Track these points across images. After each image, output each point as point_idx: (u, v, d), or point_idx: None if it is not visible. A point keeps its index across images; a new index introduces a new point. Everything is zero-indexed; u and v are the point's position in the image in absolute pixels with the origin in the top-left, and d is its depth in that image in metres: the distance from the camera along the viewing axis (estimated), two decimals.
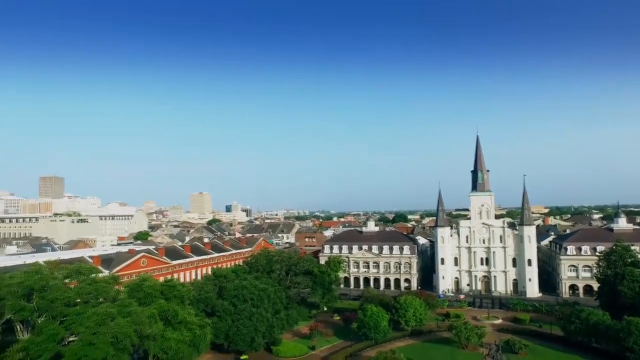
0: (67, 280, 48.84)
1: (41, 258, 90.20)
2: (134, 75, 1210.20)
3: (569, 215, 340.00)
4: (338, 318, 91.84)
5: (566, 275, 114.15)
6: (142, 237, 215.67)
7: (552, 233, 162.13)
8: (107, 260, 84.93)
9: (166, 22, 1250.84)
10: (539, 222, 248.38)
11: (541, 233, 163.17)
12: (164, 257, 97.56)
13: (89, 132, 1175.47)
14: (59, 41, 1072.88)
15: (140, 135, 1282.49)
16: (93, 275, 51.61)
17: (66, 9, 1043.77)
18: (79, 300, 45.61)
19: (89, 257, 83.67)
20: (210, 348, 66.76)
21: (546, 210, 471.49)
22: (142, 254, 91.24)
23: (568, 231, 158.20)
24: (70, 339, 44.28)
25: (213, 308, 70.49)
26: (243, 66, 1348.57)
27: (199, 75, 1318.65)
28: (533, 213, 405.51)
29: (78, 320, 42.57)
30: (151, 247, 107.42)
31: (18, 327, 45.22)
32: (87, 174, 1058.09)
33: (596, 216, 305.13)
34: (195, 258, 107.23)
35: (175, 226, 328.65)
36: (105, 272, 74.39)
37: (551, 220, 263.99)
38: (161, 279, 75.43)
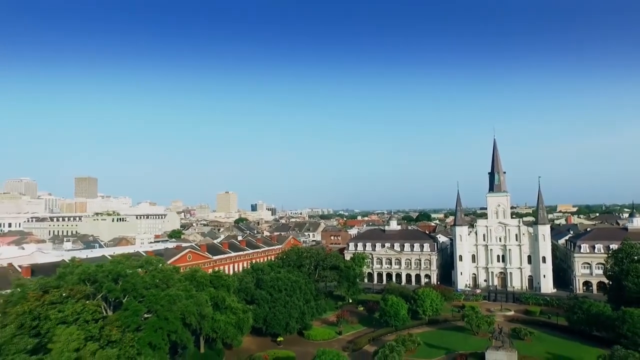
0: (139, 269, 59.81)
1: (101, 253, 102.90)
2: (156, 77, 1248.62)
3: (597, 214, 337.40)
4: (362, 309, 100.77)
5: (580, 272, 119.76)
6: (175, 235, 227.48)
7: (572, 232, 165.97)
8: (159, 255, 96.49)
9: (193, 26, 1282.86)
10: (562, 221, 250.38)
11: (560, 232, 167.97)
12: (206, 252, 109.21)
13: (118, 135, 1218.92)
14: (85, 46, 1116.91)
15: (166, 137, 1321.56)
16: (160, 265, 62.62)
17: (100, 15, 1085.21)
18: (151, 284, 56.47)
19: (144, 252, 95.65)
20: (250, 332, 76.55)
21: (574, 209, 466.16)
22: (188, 249, 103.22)
23: (589, 230, 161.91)
24: (146, 315, 55.18)
25: (252, 297, 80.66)
26: (265, 67, 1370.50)
27: (222, 76, 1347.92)
28: (561, 212, 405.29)
29: (154, 300, 53.43)
30: (193, 244, 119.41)
31: (103, 306, 56.33)
32: (118, 174, 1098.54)
33: (627, 215, 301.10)
34: (233, 254, 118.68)
35: (205, 225, 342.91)
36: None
37: (574, 219, 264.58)
38: None
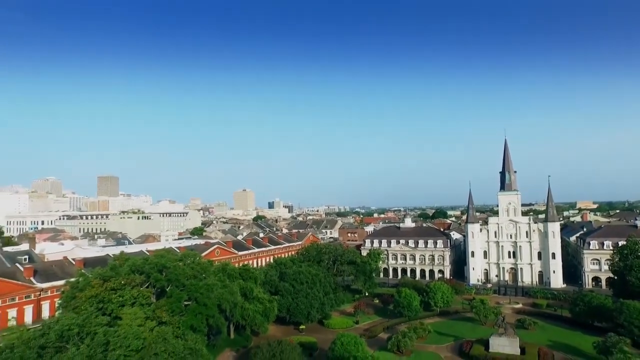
0: (179, 262, 67.66)
1: (138, 249, 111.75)
2: (169, 77, 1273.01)
3: (617, 211, 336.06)
4: (377, 301, 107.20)
5: (589, 268, 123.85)
6: (197, 232, 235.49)
7: (585, 229, 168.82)
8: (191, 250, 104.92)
9: (209, 28, 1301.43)
10: (577, 218, 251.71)
11: (574, 229, 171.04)
12: (231, 248, 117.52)
13: (132, 134, 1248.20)
14: (88, 45, 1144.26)
15: (184, 138, 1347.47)
16: (197, 259, 70.49)
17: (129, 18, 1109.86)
18: (190, 275, 64.24)
19: (177, 247, 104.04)
20: (274, 320, 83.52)
21: (594, 206, 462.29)
22: (216, 245, 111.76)
23: (602, 226, 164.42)
24: (186, 302, 62.93)
25: (276, 288, 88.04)
26: (273, 67, 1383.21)
27: (236, 77, 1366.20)
28: (579, 209, 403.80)
29: (193, 289, 61.17)
30: (219, 240, 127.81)
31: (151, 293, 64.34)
32: (135, 173, 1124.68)
33: None
34: (256, 250, 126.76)
35: (224, 222, 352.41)
36: None
37: (591, 217, 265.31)
38: None
